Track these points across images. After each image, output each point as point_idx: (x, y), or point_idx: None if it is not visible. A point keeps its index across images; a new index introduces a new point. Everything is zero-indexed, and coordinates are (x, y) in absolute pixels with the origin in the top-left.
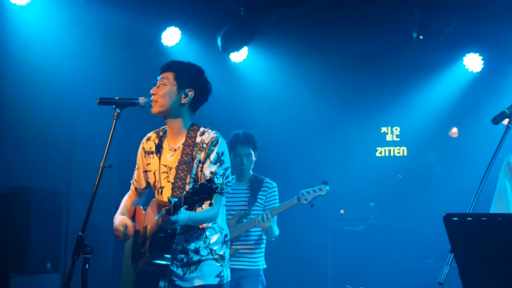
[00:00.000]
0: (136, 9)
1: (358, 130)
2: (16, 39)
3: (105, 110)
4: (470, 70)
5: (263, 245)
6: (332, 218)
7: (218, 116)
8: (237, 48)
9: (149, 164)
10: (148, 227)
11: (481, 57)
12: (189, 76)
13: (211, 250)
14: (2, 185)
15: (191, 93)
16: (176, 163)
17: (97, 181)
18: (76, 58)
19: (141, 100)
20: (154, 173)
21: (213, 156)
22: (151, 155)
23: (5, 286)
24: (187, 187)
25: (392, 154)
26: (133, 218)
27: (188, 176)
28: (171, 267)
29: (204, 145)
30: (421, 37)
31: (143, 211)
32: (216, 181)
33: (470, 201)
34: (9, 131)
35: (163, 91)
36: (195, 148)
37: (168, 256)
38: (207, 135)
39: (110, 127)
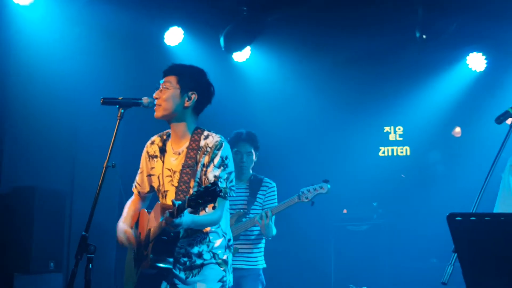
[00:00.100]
0: (138, 9)
1: (361, 129)
2: (19, 39)
3: (108, 110)
4: (473, 69)
5: (262, 245)
6: (335, 218)
7: (221, 116)
8: (240, 47)
9: (153, 168)
10: (152, 230)
11: (484, 57)
12: (192, 79)
13: (214, 254)
14: (6, 185)
15: (194, 96)
16: (180, 167)
17: (100, 181)
18: (79, 58)
19: (145, 100)
20: (158, 177)
21: (217, 160)
22: (155, 159)
23: (8, 285)
24: (191, 191)
25: (395, 153)
26: (136, 221)
27: (192, 180)
28: (173, 270)
29: (208, 149)
30: (424, 36)
31: (148, 215)
32: (220, 185)
33: (474, 200)
34: (12, 131)
35: (166, 95)
36: (199, 152)
37: (170, 259)
38: (211, 139)
39: (113, 127)
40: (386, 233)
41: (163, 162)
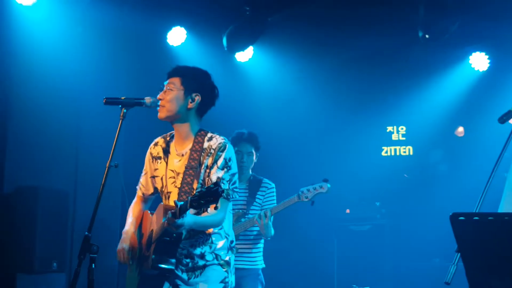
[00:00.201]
0: (141, 9)
1: (364, 129)
2: (22, 39)
3: (111, 110)
4: (476, 69)
5: (261, 245)
6: (338, 218)
7: (223, 116)
8: (243, 47)
9: (157, 169)
10: (154, 231)
11: (487, 56)
12: (195, 81)
13: (216, 255)
14: (9, 185)
15: (198, 98)
16: (183, 168)
17: (103, 181)
18: (82, 58)
19: (147, 100)
20: (162, 179)
21: (220, 161)
22: (158, 160)
23: (11, 285)
24: (194, 192)
25: (398, 153)
26: (140, 223)
27: (195, 181)
28: (176, 271)
29: (212, 151)
30: (427, 36)
31: (150, 216)
32: (222, 187)
33: (477, 200)
34: (15, 131)
35: (170, 96)
36: (202, 154)
37: (172, 260)
38: (214, 141)
39: (116, 127)
40: (389, 233)
41: (166, 163)
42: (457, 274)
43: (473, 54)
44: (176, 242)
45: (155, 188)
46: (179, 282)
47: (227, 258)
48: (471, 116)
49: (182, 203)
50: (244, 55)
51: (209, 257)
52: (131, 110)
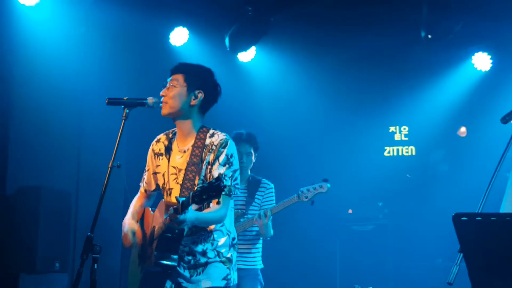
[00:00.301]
0: (144, 9)
1: (366, 129)
2: (24, 40)
3: (113, 110)
4: (478, 69)
5: (260, 245)
6: (340, 218)
7: (226, 116)
8: (245, 47)
9: (159, 166)
10: (156, 227)
11: (489, 56)
12: (198, 78)
13: (218, 252)
14: (11, 185)
15: (201, 95)
16: (185, 165)
17: (105, 181)
18: (84, 59)
19: (150, 100)
20: (163, 175)
21: (222, 157)
22: (160, 157)
23: (14, 285)
24: (196, 188)
25: (400, 153)
26: (141, 220)
27: (197, 178)
28: (178, 268)
29: (214, 147)
30: (429, 36)
31: (152, 213)
32: (224, 182)
33: (479, 200)
34: (18, 131)
35: (173, 93)
36: (204, 150)
37: (174, 256)
38: (216, 137)
39: (119, 127)
40: (391, 233)
41: (168, 160)
42: (460, 274)
43: (476, 54)
44: (178, 239)
45: (157, 185)
46: (181, 279)
47: (229, 255)
48: (474, 116)
49: (184, 198)
50: (247, 55)
51: (210, 254)
52: (134, 110)
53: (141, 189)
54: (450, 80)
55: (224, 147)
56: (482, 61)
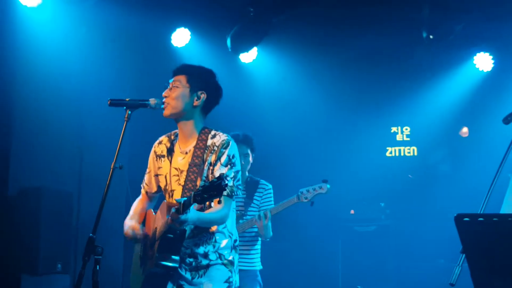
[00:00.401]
0: (145, 10)
1: (368, 130)
2: (26, 41)
3: (115, 111)
4: (480, 69)
5: (259, 246)
6: (342, 219)
7: (228, 116)
8: (247, 48)
9: (161, 167)
10: (158, 228)
11: (491, 57)
12: (201, 79)
13: (220, 255)
14: (13, 186)
15: (203, 96)
16: (187, 166)
17: (107, 182)
18: (86, 59)
19: (152, 101)
20: (165, 177)
21: (223, 158)
22: (162, 159)
23: (15, 286)
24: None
25: (402, 154)
26: (143, 222)
27: (199, 179)
28: (179, 270)
29: (215, 148)
30: (431, 36)
31: (154, 214)
32: (226, 183)
33: (481, 201)
34: (20, 132)
35: (176, 94)
36: (206, 151)
37: (176, 258)
38: (218, 138)
39: (120, 128)
40: (393, 233)
41: (170, 161)
42: (462, 275)
43: (478, 54)
44: (179, 239)
45: (159, 187)
46: (182, 281)
47: (230, 258)
48: (476, 116)
49: (185, 198)
50: (248, 56)
51: (212, 256)
52: (136, 111)
53: (142, 191)
54: (452, 81)
55: (225, 148)
56: (484, 61)
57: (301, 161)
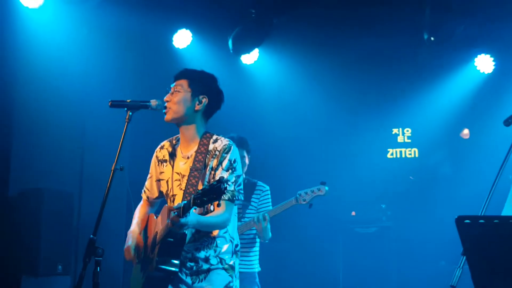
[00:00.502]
0: (147, 11)
1: (369, 131)
2: (28, 42)
3: (116, 112)
4: (481, 71)
5: (257, 248)
6: (343, 220)
7: (229, 118)
8: (248, 50)
9: (163, 172)
10: (158, 232)
11: (492, 58)
12: (203, 84)
13: (221, 259)
14: (14, 187)
15: (205, 100)
16: (189, 171)
17: (108, 183)
18: (88, 61)
19: (153, 102)
20: (167, 182)
21: (225, 163)
22: (164, 164)
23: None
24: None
25: (403, 155)
26: (145, 227)
27: (200, 183)
28: (180, 275)
29: (217, 152)
30: (432, 38)
31: (155, 218)
32: (228, 188)
33: (482, 203)
34: (20, 134)
35: (178, 98)
36: (207, 156)
37: (176, 262)
38: (219, 143)
39: (122, 129)
40: (394, 235)
41: (172, 166)
42: (463, 277)
43: (479, 56)
44: (180, 243)
45: (160, 192)
46: (183, 286)
47: (231, 263)
48: (477, 118)
49: (185, 202)
50: (250, 58)
51: (213, 261)
52: (137, 113)
53: (144, 197)
54: (453, 82)
55: (227, 153)
56: (484, 63)
57: (302, 163)
